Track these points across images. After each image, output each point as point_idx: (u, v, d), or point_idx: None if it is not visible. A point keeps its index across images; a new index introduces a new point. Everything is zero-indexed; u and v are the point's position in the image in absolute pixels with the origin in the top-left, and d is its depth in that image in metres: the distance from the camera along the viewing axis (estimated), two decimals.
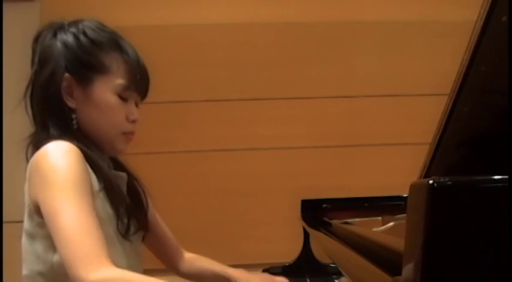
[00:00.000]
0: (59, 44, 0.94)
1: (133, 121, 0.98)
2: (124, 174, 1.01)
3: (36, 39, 0.98)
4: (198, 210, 2.16)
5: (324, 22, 2.15)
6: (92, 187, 0.88)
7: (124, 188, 1.00)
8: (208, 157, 2.18)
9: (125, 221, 0.93)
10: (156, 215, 1.13)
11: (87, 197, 0.84)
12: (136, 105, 1.00)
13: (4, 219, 1.98)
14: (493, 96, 0.62)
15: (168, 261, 1.18)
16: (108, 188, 0.91)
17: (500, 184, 0.46)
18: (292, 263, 1.45)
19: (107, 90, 0.94)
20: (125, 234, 0.93)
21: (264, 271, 1.44)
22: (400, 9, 2.15)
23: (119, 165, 1.04)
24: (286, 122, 2.19)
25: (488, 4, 0.53)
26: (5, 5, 2.02)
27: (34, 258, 0.88)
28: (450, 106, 0.59)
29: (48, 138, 0.90)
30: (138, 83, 0.98)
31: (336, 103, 2.19)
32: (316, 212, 1.43)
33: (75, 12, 2.12)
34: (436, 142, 0.61)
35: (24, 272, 0.91)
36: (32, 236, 0.88)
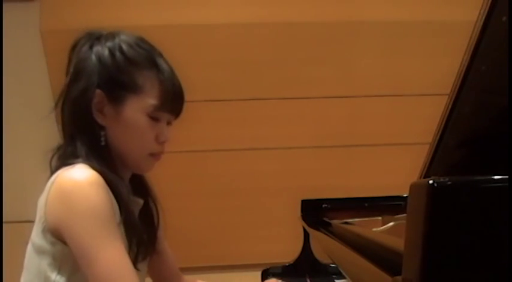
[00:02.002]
0: (93, 58, 0.92)
1: (163, 142, 0.96)
2: (140, 201, 1.00)
3: (73, 48, 0.96)
4: (198, 210, 2.16)
5: (324, 22, 2.15)
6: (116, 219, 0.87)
7: (137, 213, 0.98)
8: (208, 157, 2.18)
9: (135, 250, 0.92)
10: (164, 240, 1.11)
11: (118, 234, 0.84)
12: (170, 123, 0.98)
13: (4, 219, 1.98)
14: (493, 96, 0.62)
15: None
16: (127, 220, 0.90)
17: (500, 184, 0.46)
18: (292, 263, 1.45)
19: (138, 110, 0.91)
20: (133, 263, 0.90)
21: (264, 271, 1.44)
22: (400, 9, 2.15)
23: (139, 186, 1.02)
24: (286, 122, 2.19)
25: (488, 4, 0.53)
26: (5, 5, 2.02)
27: (36, 271, 0.87)
28: (450, 106, 0.59)
29: (75, 154, 0.89)
30: (171, 103, 0.95)
31: (336, 103, 2.19)
32: (316, 212, 1.43)
33: (75, 13, 2.14)
34: (436, 142, 0.61)
35: (23, 280, 0.91)
36: (40, 251, 0.87)
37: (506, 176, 0.46)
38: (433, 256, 0.45)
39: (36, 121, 2.25)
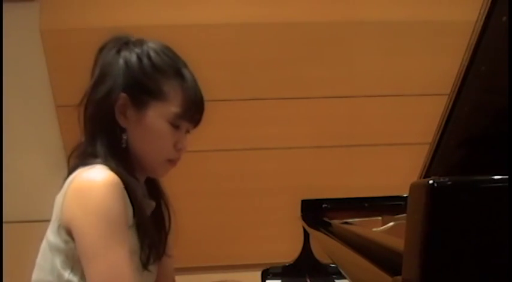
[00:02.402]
0: (121, 62, 0.94)
1: (180, 149, 0.99)
2: (152, 203, 1.01)
3: (100, 50, 0.98)
4: (198, 210, 2.16)
5: (324, 22, 2.15)
6: (128, 222, 0.88)
7: (149, 214, 1.00)
8: (208, 157, 2.18)
9: (147, 252, 0.93)
10: (173, 248, 1.11)
11: (126, 240, 0.85)
12: (188, 131, 1.01)
13: (4, 219, 1.98)
14: (493, 96, 0.62)
15: None
16: (141, 223, 0.92)
17: (500, 184, 0.46)
18: (292, 263, 1.45)
19: (160, 116, 0.94)
20: (145, 265, 0.93)
21: (264, 271, 1.44)
22: (400, 9, 2.15)
23: (153, 189, 1.04)
24: (286, 122, 2.19)
25: (488, 4, 0.53)
26: (5, 5, 2.02)
27: (50, 269, 0.88)
28: (450, 106, 0.59)
29: (94, 154, 0.91)
30: (193, 113, 0.98)
31: (336, 103, 2.19)
32: (316, 212, 1.43)
33: (75, 13, 2.14)
34: (436, 142, 0.61)
35: (35, 277, 0.91)
36: (54, 249, 0.88)
37: (506, 176, 0.46)
38: (433, 256, 0.45)
39: (36, 121, 2.26)
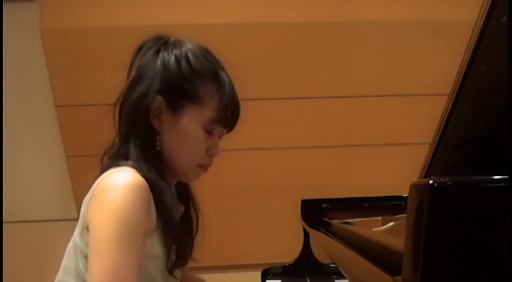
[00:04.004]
0: (159, 63, 0.92)
1: (213, 155, 0.98)
2: (181, 208, 1.00)
3: (138, 50, 0.96)
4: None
5: (324, 22, 2.15)
6: (148, 225, 0.85)
7: (177, 219, 0.98)
8: None
9: (173, 258, 0.91)
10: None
11: (137, 244, 0.82)
12: (221, 136, 0.99)
13: (4, 219, 1.99)
14: (493, 96, 0.62)
15: None
16: (167, 228, 0.89)
17: (500, 184, 0.46)
18: (292, 263, 1.45)
19: (195, 121, 0.92)
20: (170, 270, 0.91)
21: (264, 271, 1.44)
22: (400, 9, 2.15)
23: (183, 193, 1.04)
24: (286, 122, 2.19)
25: (488, 4, 0.53)
26: (5, 5, 2.02)
27: (74, 270, 0.87)
28: (450, 106, 0.59)
29: (127, 155, 0.90)
30: (228, 118, 0.96)
31: (336, 103, 2.19)
32: (316, 212, 1.43)
33: (76, 13, 2.13)
34: (436, 142, 0.61)
35: (60, 278, 0.90)
36: (78, 251, 0.87)
37: (506, 176, 0.46)
38: (433, 256, 0.45)
39: (36, 121, 2.26)
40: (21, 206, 2.13)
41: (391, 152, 2.18)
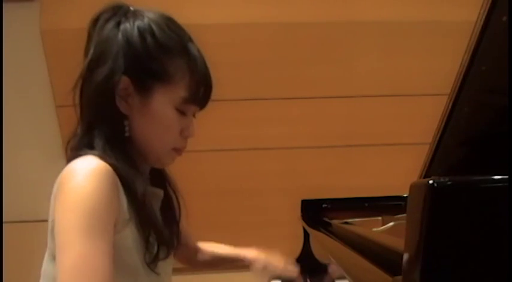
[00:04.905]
0: (120, 39, 0.82)
1: (187, 136, 0.90)
2: (160, 192, 0.93)
3: (94, 23, 0.86)
4: (198, 210, 2.16)
5: (324, 22, 2.15)
6: (119, 216, 0.78)
7: (158, 205, 0.92)
8: (208, 157, 2.18)
9: (154, 249, 0.84)
10: (187, 228, 1.07)
11: (107, 234, 0.73)
12: (194, 115, 0.92)
13: (4, 219, 1.99)
14: (493, 96, 0.62)
15: (185, 260, 1.17)
16: (140, 217, 0.81)
17: (500, 184, 0.46)
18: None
19: (166, 102, 0.84)
20: (151, 263, 0.83)
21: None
22: (400, 9, 2.15)
23: (158, 177, 0.96)
24: (286, 122, 2.19)
25: (488, 4, 0.53)
26: (5, 5, 2.02)
27: (51, 274, 0.80)
28: (450, 106, 0.59)
29: (91, 145, 0.81)
30: (202, 96, 0.88)
31: (336, 103, 2.19)
32: (316, 212, 1.43)
33: (76, 13, 2.13)
34: (436, 142, 0.61)
35: None
36: (51, 253, 0.80)
37: (506, 176, 0.46)
38: (433, 256, 0.45)
39: (36, 121, 2.26)
40: (21, 206, 2.13)
41: (391, 152, 2.18)
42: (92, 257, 0.70)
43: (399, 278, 0.51)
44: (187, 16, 2.37)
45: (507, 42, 0.55)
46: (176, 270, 1.18)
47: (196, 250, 1.18)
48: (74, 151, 0.82)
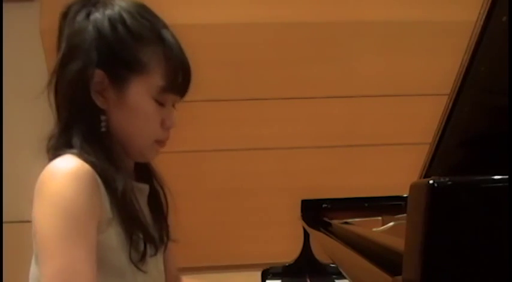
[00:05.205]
0: (91, 30, 0.79)
1: (169, 127, 0.87)
2: (145, 187, 0.91)
3: (64, 17, 0.83)
4: (198, 210, 2.16)
5: (324, 22, 2.15)
6: (102, 215, 0.76)
7: (144, 201, 0.90)
8: (208, 157, 2.18)
9: (141, 246, 0.81)
10: (172, 231, 1.01)
11: (89, 235, 0.72)
12: (174, 105, 0.89)
13: (4, 219, 1.98)
14: (493, 96, 0.62)
15: None
16: (123, 215, 0.79)
17: (500, 184, 0.46)
18: (292, 263, 1.45)
19: (143, 93, 0.81)
20: (139, 262, 0.81)
21: (264, 271, 1.44)
22: (400, 9, 2.15)
23: (144, 171, 0.93)
24: (286, 122, 2.19)
25: (488, 4, 0.53)
26: (5, 5, 2.02)
27: (34, 277, 0.79)
28: (450, 106, 0.59)
29: (69, 144, 0.79)
30: (180, 84, 0.85)
31: (336, 103, 2.19)
32: (316, 212, 1.43)
33: None
34: (436, 142, 0.61)
35: None
36: (35, 256, 0.77)
37: (506, 176, 0.46)
38: (433, 256, 0.45)
39: (36, 121, 2.25)
40: (21, 206, 2.13)
41: (391, 152, 2.18)
42: (75, 264, 0.69)
43: (399, 278, 0.51)
44: (187, 16, 2.39)
45: (507, 42, 0.55)
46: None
47: (178, 279, 1.11)
48: (53, 151, 0.81)
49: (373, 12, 2.17)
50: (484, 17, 0.54)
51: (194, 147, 2.16)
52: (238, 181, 2.18)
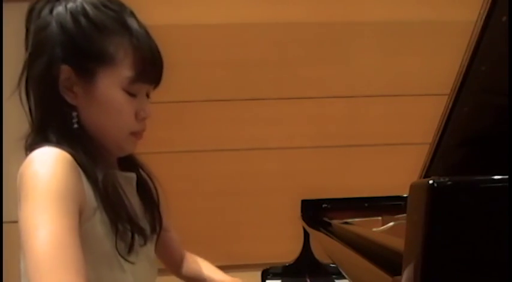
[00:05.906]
0: (54, 26, 0.78)
1: (144, 119, 0.85)
2: (133, 175, 0.90)
3: (29, 14, 0.82)
4: (198, 210, 2.16)
5: (324, 22, 2.15)
6: (86, 204, 0.75)
7: (133, 190, 0.89)
8: (208, 157, 2.18)
9: (128, 236, 0.80)
10: (167, 219, 1.00)
11: (71, 212, 0.70)
12: (148, 95, 0.86)
13: (4, 219, 1.98)
14: (493, 96, 0.62)
15: (169, 265, 1.11)
16: (105, 203, 0.78)
17: (500, 184, 0.46)
18: (292, 263, 1.45)
19: (112, 85, 0.79)
20: (126, 252, 0.80)
21: (264, 271, 1.44)
22: (400, 9, 2.16)
23: (128, 163, 0.92)
24: (286, 122, 2.19)
25: (488, 4, 0.53)
26: (5, 5, 2.02)
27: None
28: (450, 106, 0.59)
29: (45, 142, 0.77)
30: (150, 73, 0.83)
31: (336, 103, 2.19)
32: (316, 212, 1.43)
33: None
34: (436, 142, 0.61)
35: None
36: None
37: (506, 176, 0.46)
38: (433, 256, 0.45)
39: None
40: None
41: (391, 152, 2.18)
42: (60, 235, 0.67)
43: (399, 278, 0.51)
44: (187, 16, 2.38)
45: (507, 42, 0.55)
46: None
47: (182, 259, 1.13)
48: (30, 148, 0.79)
49: (373, 12, 2.17)
50: (484, 17, 0.54)
51: (194, 147, 2.16)
52: (238, 181, 2.18)
